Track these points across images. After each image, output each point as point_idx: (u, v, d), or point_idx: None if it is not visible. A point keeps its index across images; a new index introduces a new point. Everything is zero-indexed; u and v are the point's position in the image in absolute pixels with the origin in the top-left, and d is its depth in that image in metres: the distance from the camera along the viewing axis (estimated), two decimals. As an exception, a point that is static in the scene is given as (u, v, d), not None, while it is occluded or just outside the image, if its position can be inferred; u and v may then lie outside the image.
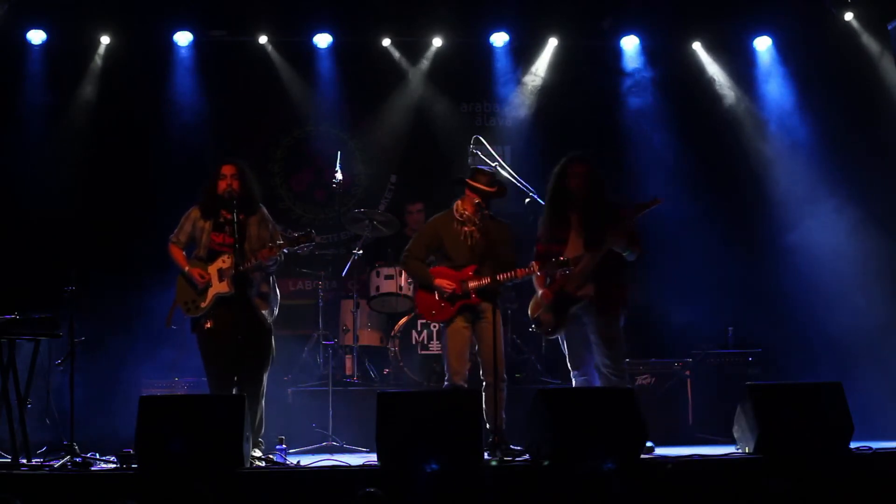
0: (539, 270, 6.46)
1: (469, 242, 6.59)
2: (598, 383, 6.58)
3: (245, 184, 6.54)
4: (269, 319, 6.55)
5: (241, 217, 6.42)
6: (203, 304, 6.46)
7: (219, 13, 9.10)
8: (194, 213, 6.62)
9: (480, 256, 6.51)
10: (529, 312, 6.70)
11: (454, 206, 6.70)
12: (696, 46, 9.40)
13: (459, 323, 6.54)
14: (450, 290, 6.51)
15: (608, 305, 6.48)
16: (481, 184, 6.59)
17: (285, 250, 6.48)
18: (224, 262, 6.47)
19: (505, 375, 6.56)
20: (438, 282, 6.55)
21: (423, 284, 6.67)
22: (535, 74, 9.51)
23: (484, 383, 6.52)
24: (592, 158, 6.68)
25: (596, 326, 6.50)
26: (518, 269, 6.45)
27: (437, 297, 6.56)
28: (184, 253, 6.59)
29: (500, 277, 6.44)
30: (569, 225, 6.57)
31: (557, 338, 8.34)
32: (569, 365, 6.68)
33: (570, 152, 6.71)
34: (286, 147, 9.62)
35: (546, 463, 5.55)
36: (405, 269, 6.91)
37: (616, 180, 9.08)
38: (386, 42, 9.36)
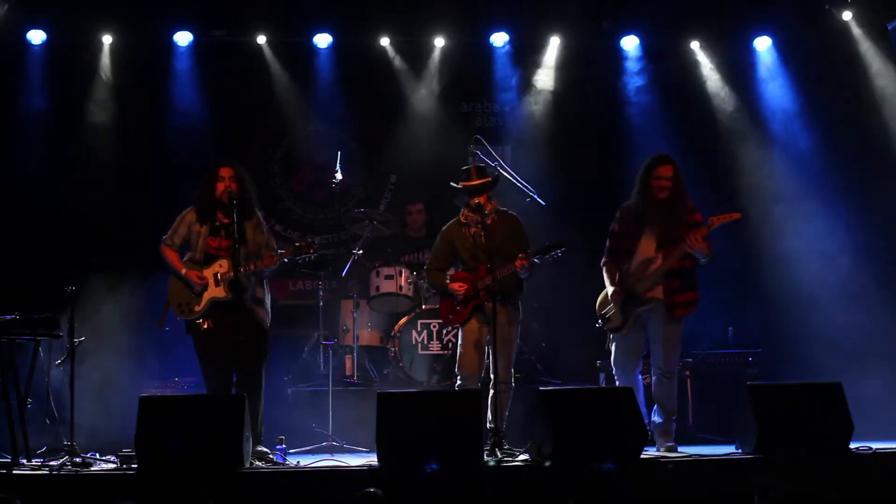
0: (535, 257, 6.47)
1: (477, 243, 6.62)
2: (642, 385, 6.68)
3: (243, 186, 6.53)
4: (267, 322, 6.55)
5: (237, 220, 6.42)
6: (197, 308, 6.45)
7: (219, 13, 9.09)
8: (190, 215, 6.59)
9: (490, 254, 6.51)
10: (597, 307, 6.75)
11: (462, 211, 6.77)
12: (697, 46, 9.38)
13: (474, 324, 6.61)
14: (462, 293, 6.56)
15: (674, 309, 6.49)
16: (470, 181, 6.64)
17: (286, 259, 6.49)
18: (221, 266, 6.46)
19: (512, 380, 6.58)
20: (451, 285, 6.64)
21: (443, 292, 6.75)
22: (535, 74, 9.50)
23: (491, 383, 6.53)
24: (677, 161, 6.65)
25: (658, 329, 6.53)
26: (515, 262, 6.46)
27: (454, 302, 6.64)
28: (178, 255, 6.59)
29: (498, 273, 6.45)
30: (645, 223, 6.57)
31: (552, 338, 8.40)
32: (612, 361, 6.72)
33: (659, 152, 6.72)
34: (286, 147, 9.62)
35: (548, 464, 5.55)
36: (428, 282, 7.06)
37: (616, 180, 9.12)
38: (386, 42, 9.35)
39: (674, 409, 6.56)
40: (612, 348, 6.73)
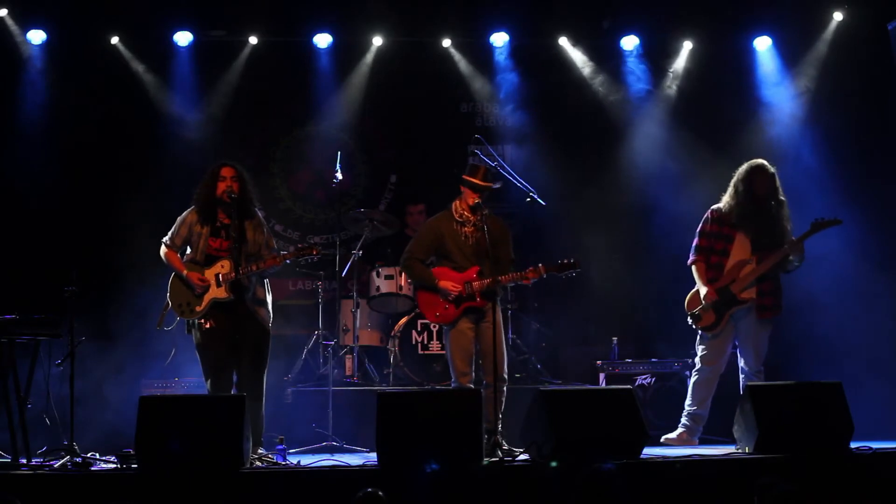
0: (545, 273, 6.49)
1: (470, 242, 6.59)
2: (716, 386, 6.84)
3: (244, 186, 6.53)
4: (269, 322, 6.55)
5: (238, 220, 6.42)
6: (198, 308, 6.45)
7: (218, 13, 9.09)
8: (191, 216, 6.59)
9: (482, 257, 6.51)
10: (686, 306, 6.91)
11: (453, 206, 6.69)
12: (697, 46, 9.37)
13: (464, 324, 6.56)
14: (455, 293, 6.51)
15: (766, 311, 6.76)
16: (477, 179, 6.61)
17: (288, 261, 6.49)
18: (222, 267, 6.45)
19: (505, 377, 6.57)
20: (443, 284, 6.54)
21: (425, 286, 6.67)
22: (535, 74, 9.49)
23: (484, 383, 6.53)
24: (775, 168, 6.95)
25: (750, 330, 6.76)
26: (527, 271, 6.48)
27: (440, 299, 6.56)
28: (179, 256, 6.59)
29: (503, 280, 6.44)
30: (740, 226, 6.80)
31: (552, 338, 8.41)
32: (697, 360, 6.91)
33: (755, 159, 6.94)
34: (286, 147, 9.61)
35: (554, 464, 5.55)
36: (407, 271, 6.88)
37: (616, 180, 9.13)
38: (386, 42, 9.34)
39: None
40: (700, 348, 6.93)
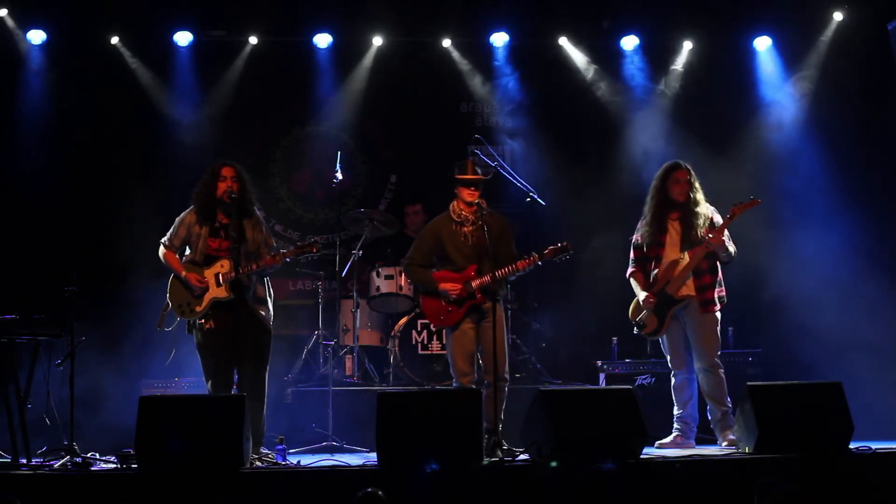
0: (541, 260, 6.49)
1: (469, 242, 6.58)
2: (696, 385, 6.84)
3: (244, 186, 6.53)
4: (269, 321, 6.55)
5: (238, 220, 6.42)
6: (198, 308, 6.45)
7: (218, 13, 9.09)
8: (189, 217, 6.59)
9: (480, 254, 6.50)
10: (630, 315, 6.94)
11: (451, 208, 6.69)
12: (697, 46, 9.37)
13: (466, 325, 6.56)
14: (456, 294, 6.51)
15: (710, 304, 6.73)
16: (466, 174, 6.62)
17: (288, 259, 6.49)
18: (222, 266, 6.45)
19: (507, 375, 6.57)
20: (444, 286, 6.54)
21: (427, 291, 6.67)
22: (535, 74, 9.49)
23: (486, 383, 6.53)
24: (692, 165, 6.99)
25: (695, 326, 6.75)
26: (518, 262, 6.47)
27: (443, 303, 6.56)
28: (177, 257, 6.59)
29: (499, 273, 6.44)
30: (667, 229, 6.82)
31: (552, 338, 8.39)
32: (670, 365, 6.92)
33: (671, 160, 7.00)
34: (286, 147, 9.61)
35: (554, 464, 5.56)
36: (408, 276, 6.92)
37: (616, 180, 9.13)
38: (386, 42, 9.34)
39: (725, 400, 6.71)
40: (667, 352, 6.93)
